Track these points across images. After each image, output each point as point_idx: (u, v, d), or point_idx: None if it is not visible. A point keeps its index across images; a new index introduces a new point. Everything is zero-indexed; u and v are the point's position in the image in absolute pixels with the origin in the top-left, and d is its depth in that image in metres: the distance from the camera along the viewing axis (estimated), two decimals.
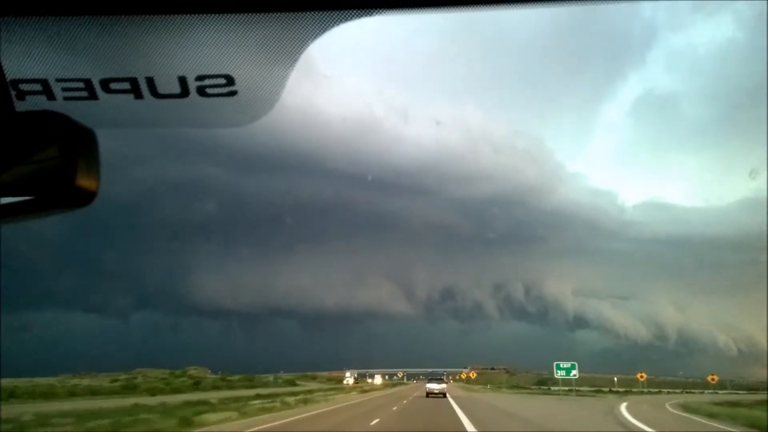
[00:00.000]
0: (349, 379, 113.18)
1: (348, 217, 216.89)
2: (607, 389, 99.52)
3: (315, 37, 1.70)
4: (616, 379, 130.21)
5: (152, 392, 48.99)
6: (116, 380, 64.51)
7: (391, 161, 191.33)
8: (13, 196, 1.49)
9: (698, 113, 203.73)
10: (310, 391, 54.22)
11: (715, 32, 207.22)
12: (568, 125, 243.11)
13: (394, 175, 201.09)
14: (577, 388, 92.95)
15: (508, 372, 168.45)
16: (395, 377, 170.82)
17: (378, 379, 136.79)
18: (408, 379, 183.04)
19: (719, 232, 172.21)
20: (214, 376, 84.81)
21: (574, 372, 67.95)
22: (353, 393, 56.96)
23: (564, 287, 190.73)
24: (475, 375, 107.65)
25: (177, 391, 54.24)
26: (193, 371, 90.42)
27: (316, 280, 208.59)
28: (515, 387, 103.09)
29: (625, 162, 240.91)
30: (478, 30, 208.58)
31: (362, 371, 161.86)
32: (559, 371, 68.58)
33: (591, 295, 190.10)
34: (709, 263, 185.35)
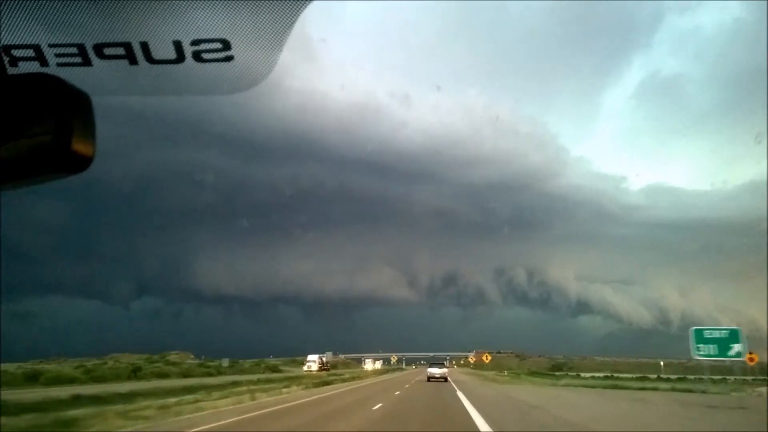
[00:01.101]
0: (311, 364, 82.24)
1: (348, 202, 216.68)
2: (655, 376, 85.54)
3: (311, 1, 1.69)
4: (662, 363, 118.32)
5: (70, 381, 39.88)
6: (81, 366, 61.17)
7: (393, 145, 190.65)
8: (8, 161, 1.47)
9: (704, 96, 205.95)
10: (269, 380, 42.36)
11: (721, 14, 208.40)
12: (573, 109, 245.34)
13: (396, 160, 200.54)
14: (614, 374, 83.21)
15: (518, 356, 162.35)
16: (391, 362, 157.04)
17: (369, 365, 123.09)
18: (407, 364, 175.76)
19: (723, 215, 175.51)
20: (196, 361, 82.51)
21: (737, 348, 36.54)
22: (317, 385, 40.97)
23: (568, 272, 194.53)
24: (489, 358, 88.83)
25: (117, 378, 47.46)
26: (174, 356, 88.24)
27: (315, 266, 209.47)
28: (536, 374, 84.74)
29: (629, 146, 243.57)
30: (482, 13, 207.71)
31: (357, 355, 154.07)
32: (702, 349, 37.41)
33: (595, 279, 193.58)
34: (712, 247, 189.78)
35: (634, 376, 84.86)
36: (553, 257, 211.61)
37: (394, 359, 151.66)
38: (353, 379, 57.67)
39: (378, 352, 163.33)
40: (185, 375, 56.73)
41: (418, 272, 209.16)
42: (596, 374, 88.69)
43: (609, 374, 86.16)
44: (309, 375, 64.14)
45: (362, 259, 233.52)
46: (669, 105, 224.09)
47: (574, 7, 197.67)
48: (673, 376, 78.44)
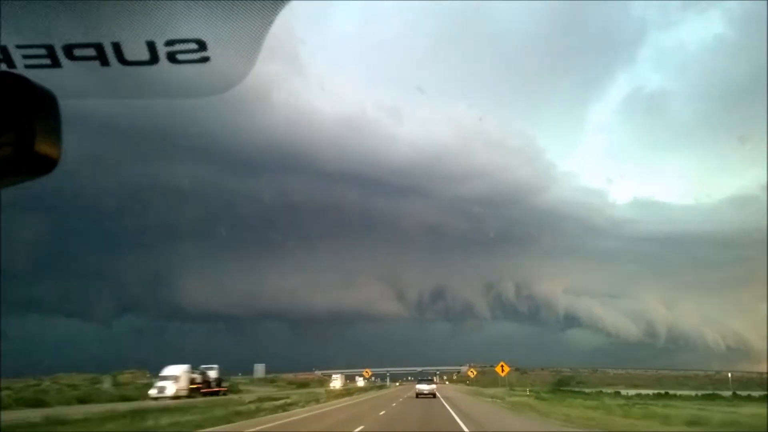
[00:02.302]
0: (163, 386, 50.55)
1: (336, 216, 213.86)
2: (729, 392, 77.08)
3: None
4: (730, 375, 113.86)
5: None
6: (8, 388, 54.26)
7: (382, 159, 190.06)
8: None
9: (688, 111, 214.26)
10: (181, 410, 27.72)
11: (704, 30, 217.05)
12: (559, 124, 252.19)
13: (385, 174, 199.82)
14: (636, 391, 72.08)
15: (517, 370, 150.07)
16: (368, 378, 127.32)
17: (338, 382, 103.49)
18: (393, 381, 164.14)
19: (708, 229, 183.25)
20: (150, 381, 77.56)
21: None
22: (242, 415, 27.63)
23: (556, 286, 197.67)
24: (506, 370, 61.48)
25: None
26: (127, 375, 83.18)
27: (301, 281, 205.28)
28: (558, 392, 68.80)
29: (615, 160, 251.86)
30: (469, 29, 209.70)
31: (345, 372, 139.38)
32: None
33: (583, 293, 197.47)
34: (698, 260, 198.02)
35: (699, 393, 76.00)
36: (542, 271, 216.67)
37: (367, 374, 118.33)
38: (288, 407, 36.99)
39: (358, 368, 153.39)
40: (82, 400, 39.73)
41: (406, 286, 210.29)
42: (641, 391, 77.24)
43: (660, 391, 75.28)
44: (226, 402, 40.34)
45: (349, 273, 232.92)
46: (653, 120, 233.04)
47: (559, 23, 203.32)
48: (753, 393, 71.27)
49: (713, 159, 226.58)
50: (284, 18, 1.75)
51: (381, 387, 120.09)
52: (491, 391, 66.28)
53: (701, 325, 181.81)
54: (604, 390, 76.13)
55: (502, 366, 60.79)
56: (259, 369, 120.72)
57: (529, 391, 62.44)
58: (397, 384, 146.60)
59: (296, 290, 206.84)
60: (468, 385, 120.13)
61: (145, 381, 76.13)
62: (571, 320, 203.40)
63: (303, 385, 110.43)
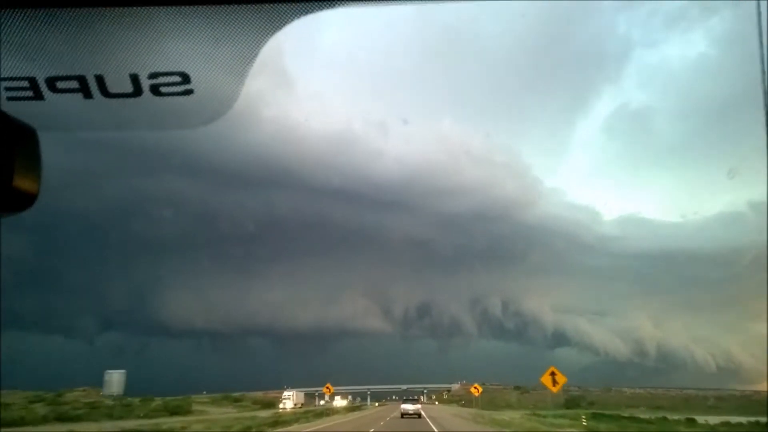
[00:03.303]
0: None
1: (318, 231, 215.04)
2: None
3: (274, 31, 1.67)
4: None
5: None
6: None
7: (368, 175, 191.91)
8: None
9: (671, 129, 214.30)
10: None
11: (686, 48, 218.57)
12: (545, 140, 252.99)
13: (371, 189, 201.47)
14: (678, 415, 53.34)
15: (517, 389, 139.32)
16: (323, 397, 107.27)
17: (290, 402, 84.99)
18: (374, 400, 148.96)
19: (696, 246, 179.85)
20: (105, 399, 70.65)
21: None
22: None
23: (544, 303, 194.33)
24: (563, 381, 39.32)
25: None
26: (78, 393, 75.76)
27: (284, 296, 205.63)
28: (599, 416, 51.79)
29: (601, 177, 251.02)
30: (454, 46, 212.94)
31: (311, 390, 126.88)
32: None
33: (571, 311, 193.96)
34: (686, 278, 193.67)
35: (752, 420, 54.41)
36: (530, 288, 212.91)
37: (328, 391, 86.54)
38: None
39: (343, 384, 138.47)
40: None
41: (392, 302, 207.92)
42: (691, 416, 59.15)
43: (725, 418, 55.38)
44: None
45: (332, 288, 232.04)
46: (638, 137, 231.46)
47: (545, 40, 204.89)
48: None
49: (699, 176, 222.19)
50: (267, 48, 1.74)
51: (354, 408, 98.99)
52: (507, 415, 53.59)
53: (691, 343, 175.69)
54: (636, 413, 63.19)
55: (555, 374, 41.58)
56: (115, 380, 77.19)
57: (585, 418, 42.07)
58: (376, 405, 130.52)
59: (278, 305, 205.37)
60: (463, 406, 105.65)
61: (93, 399, 68.93)
62: (560, 338, 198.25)
63: (269, 404, 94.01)
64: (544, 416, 50.75)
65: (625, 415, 60.64)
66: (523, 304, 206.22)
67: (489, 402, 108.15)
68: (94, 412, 56.67)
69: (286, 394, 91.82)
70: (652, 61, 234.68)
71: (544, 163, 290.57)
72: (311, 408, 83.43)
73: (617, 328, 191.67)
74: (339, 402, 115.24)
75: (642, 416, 58.72)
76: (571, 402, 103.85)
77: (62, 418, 44.26)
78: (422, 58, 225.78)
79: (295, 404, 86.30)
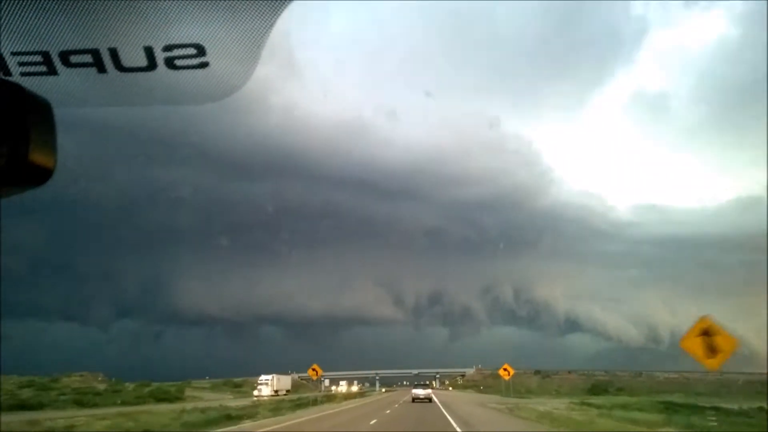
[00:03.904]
0: None
1: (333, 220, 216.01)
2: None
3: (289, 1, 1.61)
4: None
5: None
6: None
7: (379, 163, 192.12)
8: None
9: (689, 113, 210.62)
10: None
11: (706, 29, 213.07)
12: (557, 126, 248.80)
13: (383, 178, 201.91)
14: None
15: (538, 373, 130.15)
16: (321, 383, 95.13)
17: (266, 389, 72.45)
18: (383, 385, 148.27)
19: (712, 232, 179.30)
20: (101, 385, 69.47)
21: None
22: None
23: (557, 290, 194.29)
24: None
25: None
26: (75, 378, 75.87)
27: (297, 285, 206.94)
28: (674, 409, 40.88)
29: (616, 163, 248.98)
30: (465, 29, 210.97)
31: (335, 374, 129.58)
32: None
33: (583, 297, 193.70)
34: (701, 264, 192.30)
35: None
36: (542, 275, 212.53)
37: (314, 374, 52.23)
38: None
39: (354, 370, 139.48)
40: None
41: (403, 290, 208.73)
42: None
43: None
44: None
45: (344, 277, 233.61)
46: (655, 121, 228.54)
47: (557, 23, 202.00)
48: None
49: (716, 161, 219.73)
50: (282, 20, 1.70)
51: (353, 396, 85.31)
52: (548, 405, 44.28)
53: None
54: (674, 399, 54.47)
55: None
56: None
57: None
58: (383, 390, 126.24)
59: (290, 293, 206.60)
60: (481, 392, 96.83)
61: (94, 385, 67.22)
62: (573, 324, 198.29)
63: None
64: (599, 407, 41.42)
65: (705, 405, 44.73)
66: (536, 291, 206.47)
67: (507, 387, 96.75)
68: (78, 397, 54.84)
69: (263, 378, 75.56)
70: (669, 43, 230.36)
71: (556, 149, 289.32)
72: (299, 396, 66.24)
73: (630, 314, 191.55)
74: (342, 388, 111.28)
75: (704, 404, 44.99)
76: (597, 388, 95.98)
77: (27, 406, 41.27)
78: (430, 42, 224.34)
79: (277, 390, 73.94)
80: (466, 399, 68.58)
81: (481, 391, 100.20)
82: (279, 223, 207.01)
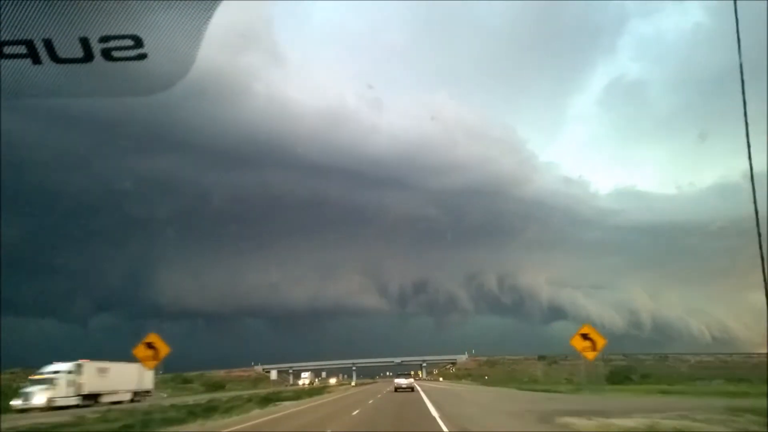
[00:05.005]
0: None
1: (313, 209, 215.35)
2: None
3: None
4: None
5: None
6: None
7: (363, 151, 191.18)
8: None
9: (667, 100, 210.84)
10: None
11: (682, 18, 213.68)
12: (540, 114, 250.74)
13: (366, 166, 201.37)
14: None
15: (542, 359, 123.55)
16: (299, 376, 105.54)
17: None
18: (362, 377, 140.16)
19: (690, 219, 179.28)
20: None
21: None
22: None
23: (541, 278, 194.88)
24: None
25: None
26: (5, 376, 73.26)
27: (280, 275, 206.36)
28: None
29: (597, 150, 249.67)
30: (448, 18, 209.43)
31: (310, 365, 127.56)
32: None
33: (567, 284, 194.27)
34: (681, 250, 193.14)
35: None
36: (526, 263, 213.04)
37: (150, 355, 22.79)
38: None
39: (325, 360, 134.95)
40: None
41: (388, 279, 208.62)
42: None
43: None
44: None
45: (328, 266, 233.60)
46: (634, 109, 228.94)
47: (538, 13, 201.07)
48: None
49: (694, 148, 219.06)
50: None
51: (304, 393, 55.78)
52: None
53: (685, 315, 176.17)
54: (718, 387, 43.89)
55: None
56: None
57: None
58: (353, 384, 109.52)
59: (272, 284, 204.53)
60: (483, 383, 79.66)
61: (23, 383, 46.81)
62: (557, 311, 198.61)
63: (218, 386, 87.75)
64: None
65: None
66: (520, 278, 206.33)
67: (509, 377, 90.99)
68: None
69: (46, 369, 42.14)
70: (646, 31, 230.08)
71: (540, 137, 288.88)
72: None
73: (613, 301, 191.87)
74: (305, 381, 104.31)
75: None
76: (617, 375, 75.03)
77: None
78: (416, 31, 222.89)
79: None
80: (470, 393, 43.59)
81: (483, 383, 77.98)
82: (261, 213, 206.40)
